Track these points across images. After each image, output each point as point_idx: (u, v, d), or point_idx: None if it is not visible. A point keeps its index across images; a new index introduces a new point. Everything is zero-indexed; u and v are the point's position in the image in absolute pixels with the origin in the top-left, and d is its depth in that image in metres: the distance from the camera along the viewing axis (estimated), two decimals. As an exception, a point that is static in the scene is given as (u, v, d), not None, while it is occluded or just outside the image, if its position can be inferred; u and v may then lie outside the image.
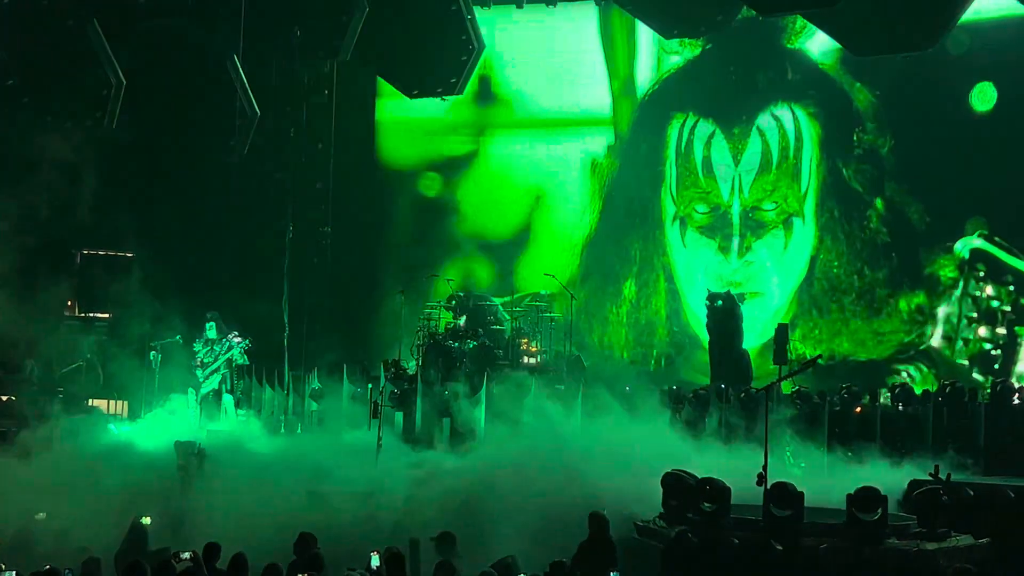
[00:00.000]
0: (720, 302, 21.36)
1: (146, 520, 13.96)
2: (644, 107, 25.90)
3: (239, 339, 21.91)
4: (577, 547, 12.91)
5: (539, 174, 26.59)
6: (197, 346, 21.85)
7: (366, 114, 27.45)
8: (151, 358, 21.40)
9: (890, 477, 14.98)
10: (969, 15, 20.16)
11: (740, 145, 24.50)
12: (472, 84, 25.26)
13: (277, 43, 23.14)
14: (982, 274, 22.40)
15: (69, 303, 23.66)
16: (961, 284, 22.66)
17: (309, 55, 23.68)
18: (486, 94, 26.84)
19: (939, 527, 13.24)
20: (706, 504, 13.28)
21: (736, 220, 24.50)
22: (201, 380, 21.80)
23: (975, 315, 22.48)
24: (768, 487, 12.79)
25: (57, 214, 22.79)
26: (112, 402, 22.63)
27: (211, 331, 21.87)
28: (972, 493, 14.68)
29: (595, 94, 26.24)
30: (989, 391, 19.74)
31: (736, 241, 24.45)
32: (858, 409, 19.44)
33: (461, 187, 27.16)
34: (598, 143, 26.22)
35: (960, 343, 22.58)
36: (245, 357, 21.97)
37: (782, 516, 12.75)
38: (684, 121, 25.13)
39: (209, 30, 22.21)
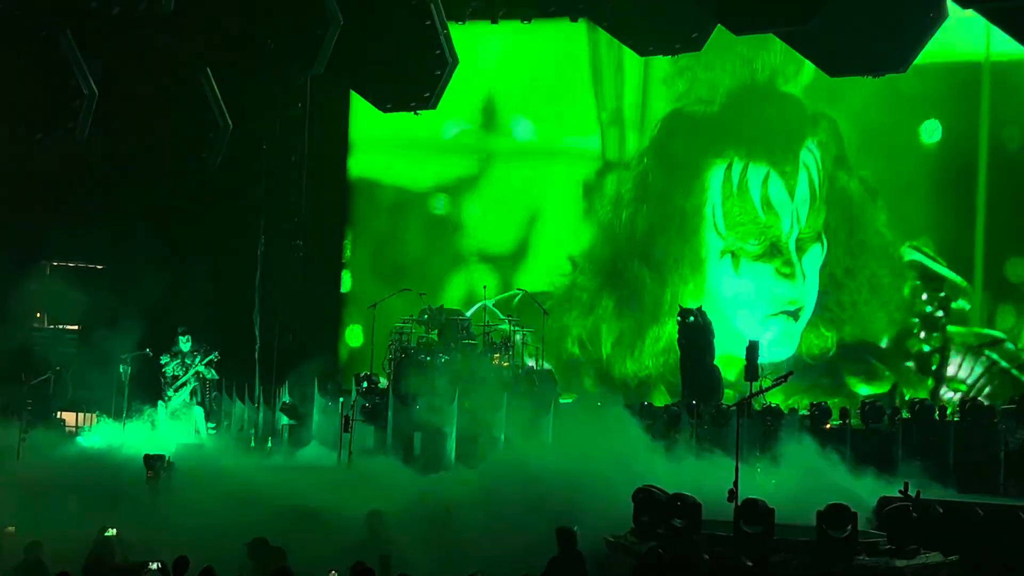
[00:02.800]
0: (692, 318, 21.40)
1: (112, 532, 13.86)
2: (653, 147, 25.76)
3: (208, 352, 21.80)
4: (547, 563, 12.91)
5: (531, 196, 26.53)
6: (165, 359, 21.71)
7: (340, 127, 27.36)
8: (120, 371, 21.25)
9: (860, 494, 15.06)
10: (922, 58, 20.37)
11: (791, 182, 24.59)
12: (457, 103, 25.15)
13: (250, 56, 23.05)
14: (918, 282, 23.47)
15: (38, 315, 23.51)
16: (908, 291, 23.57)
17: (283, 68, 23.60)
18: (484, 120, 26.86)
19: (909, 544, 13.30)
20: (677, 520, 13.31)
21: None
22: (171, 393, 21.67)
23: (917, 320, 23.45)
24: (739, 503, 12.83)
25: (27, 225, 22.70)
26: (81, 414, 22.49)
27: (184, 344, 21.76)
28: (942, 510, 14.79)
29: (583, 117, 26.27)
30: (958, 408, 19.92)
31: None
32: (828, 426, 19.57)
33: (450, 204, 27.06)
34: (588, 167, 26.19)
35: (907, 346, 23.54)
36: (213, 371, 21.83)
37: (752, 532, 12.79)
38: (731, 163, 24.87)
39: (182, 42, 22.11)
